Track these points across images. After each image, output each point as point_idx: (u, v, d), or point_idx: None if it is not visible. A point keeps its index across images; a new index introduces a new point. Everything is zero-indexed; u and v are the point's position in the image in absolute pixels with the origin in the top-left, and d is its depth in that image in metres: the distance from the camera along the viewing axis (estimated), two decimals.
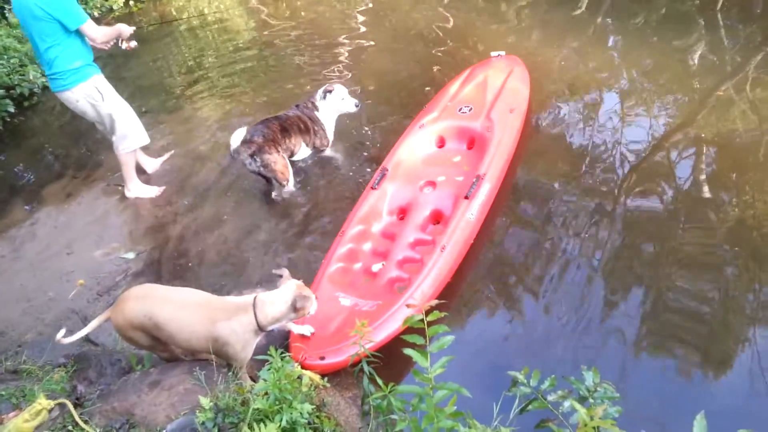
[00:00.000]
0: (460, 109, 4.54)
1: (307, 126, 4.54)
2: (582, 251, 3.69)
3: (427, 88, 5.55)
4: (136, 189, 4.72)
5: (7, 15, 6.82)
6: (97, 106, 4.23)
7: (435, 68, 6.04)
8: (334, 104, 4.62)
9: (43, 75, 6.12)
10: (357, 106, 4.66)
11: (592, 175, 4.31)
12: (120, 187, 4.80)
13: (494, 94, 4.61)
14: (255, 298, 2.60)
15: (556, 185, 4.27)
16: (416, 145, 4.39)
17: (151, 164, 5.06)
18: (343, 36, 7.11)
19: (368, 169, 4.60)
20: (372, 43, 6.85)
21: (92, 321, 2.73)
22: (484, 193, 3.79)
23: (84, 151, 5.43)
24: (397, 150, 4.30)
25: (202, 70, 6.85)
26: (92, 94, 4.16)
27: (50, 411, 2.51)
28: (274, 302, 2.57)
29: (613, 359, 3.02)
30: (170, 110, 6.04)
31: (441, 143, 4.47)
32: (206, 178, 4.89)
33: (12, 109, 5.71)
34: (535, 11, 7.03)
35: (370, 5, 8.04)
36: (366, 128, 5.20)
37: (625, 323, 3.19)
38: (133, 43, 4.39)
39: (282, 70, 6.51)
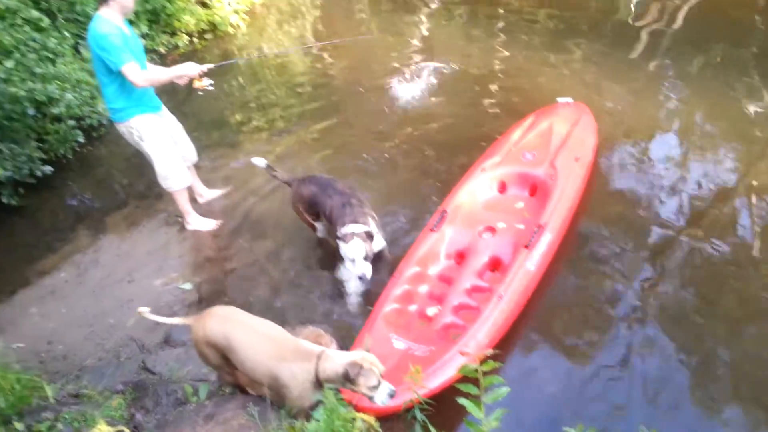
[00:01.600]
0: (524, 155, 4.68)
1: (332, 218, 4.14)
2: (643, 306, 3.74)
3: (487, 132, 5.72)
4: (194, 222, 5.05)
5: (81, 50, 7.49)
6: (137, 144, 4.61)
7: (493, 111, 6.22)
8: (341, 252, 3.88)
9: None
10: (360, 277, 3.82)
11: (655, 227, 4.39)
12: (180, 219, 5.16)
13: (559, 141, 4.72)
14: (323, 351, 2.73)
15: (619, 237, 4.35)
16: (477, 189, 4.54)
17: (207, 194, 5.40)
18: (398, 76, 7.39)
19: (427, 211, 4.74)
20: (427, 83, 7.11)
21: (175, 318, 3.12)
22: (546, 243, 3.89)
23: (147, 181, 5.85)
24: (457, 193, 4.45)
25: (261, 108, 7.24)
26: (133, 133, 4.52)
27: None
28: (333, 361, 2.66)
29: (673, 418, 3.03)
30: (230, 145, 6.42)
31: (502, 188, 4.61)
32: (263, 214, 5.19)
33: (81, 140, 6.21)
34: (591, 54, 7.16)
35: (425, 41, 8.32)
36: (425, 168, 5.40)
37: (688, 381, 3.21)
38: (207, 82, 4.55)
39: (336, 111, 6.78)
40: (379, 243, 4.11)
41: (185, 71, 4.28)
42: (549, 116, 5.14)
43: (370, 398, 2.65)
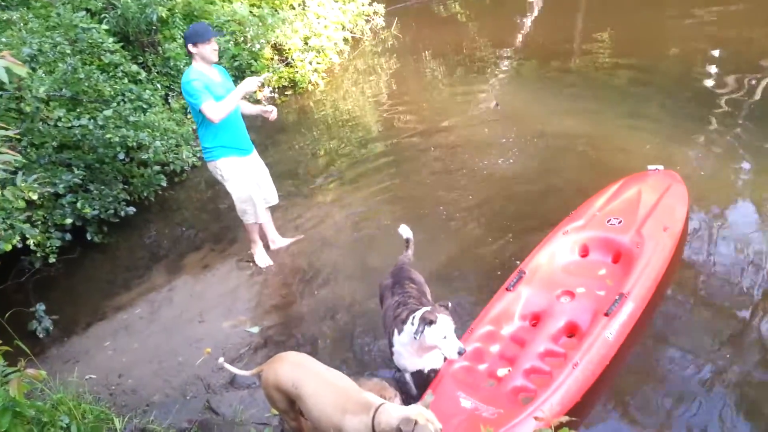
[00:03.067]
0: (609, 221, 4.77)
1: (385, 323, 3.93)
2: (722, 384, 3.74)
3: (560, 192, 5.92)
4: (257, 253, 5.55)
5: (170, 101, 8.35)
6: (221, 182, 5.21)
7: (568, 172, 6.38)
8: (431, 340, 3.39)
9: (194, 155, 7.38)
10: (460, 353, 3.35)
11: (740, 300, 4.37)
12: (251, 264, 5.58)
13: (647, 209, 4.78)
14: (382, 404, 2.87)
15: (703, 309, 4.38)
16: (557, 252, 4.65)
17: (279, 241, 5.83)
18: (469, 136, 7.65)
19: (503, 270, 4.87)
20: (503, 142, 7.34)
21: (247, 371, 3.37)
22: (627, 312, 3.93)
23: (223, 226, 6.38)
24: (537, 254, 4.58)
25: (333, 161, 7.76)
26: (218, 172, 5.11)
27: None
28: (389, 414, 2.77)
29: None
30: (303, 195, 6.88)
31: (584, 252, 4.70)
32: (332, 263, 5.52)
33: (164, 184, 6.85)
34: (669, 119, 7.19)
35: (498, 101, 8.57)
36: (504, 227, 5.61)
37: None
38: (267, 90, 5.07)
39: (406, 167, 7.14)
40: None
41: (246, 88, 4.80)
42: (637, 183, 5.22)
43: None
